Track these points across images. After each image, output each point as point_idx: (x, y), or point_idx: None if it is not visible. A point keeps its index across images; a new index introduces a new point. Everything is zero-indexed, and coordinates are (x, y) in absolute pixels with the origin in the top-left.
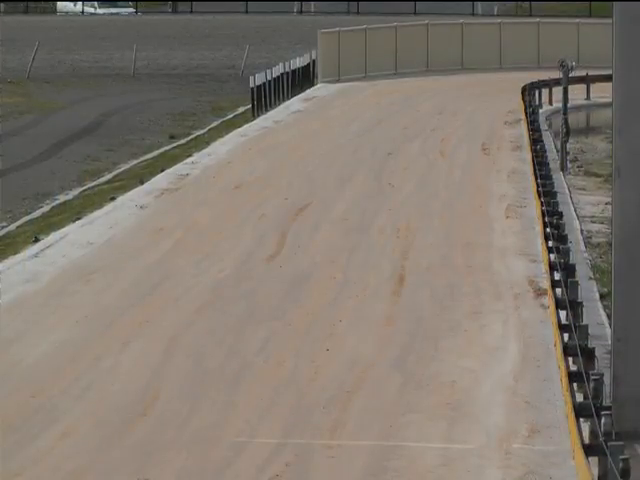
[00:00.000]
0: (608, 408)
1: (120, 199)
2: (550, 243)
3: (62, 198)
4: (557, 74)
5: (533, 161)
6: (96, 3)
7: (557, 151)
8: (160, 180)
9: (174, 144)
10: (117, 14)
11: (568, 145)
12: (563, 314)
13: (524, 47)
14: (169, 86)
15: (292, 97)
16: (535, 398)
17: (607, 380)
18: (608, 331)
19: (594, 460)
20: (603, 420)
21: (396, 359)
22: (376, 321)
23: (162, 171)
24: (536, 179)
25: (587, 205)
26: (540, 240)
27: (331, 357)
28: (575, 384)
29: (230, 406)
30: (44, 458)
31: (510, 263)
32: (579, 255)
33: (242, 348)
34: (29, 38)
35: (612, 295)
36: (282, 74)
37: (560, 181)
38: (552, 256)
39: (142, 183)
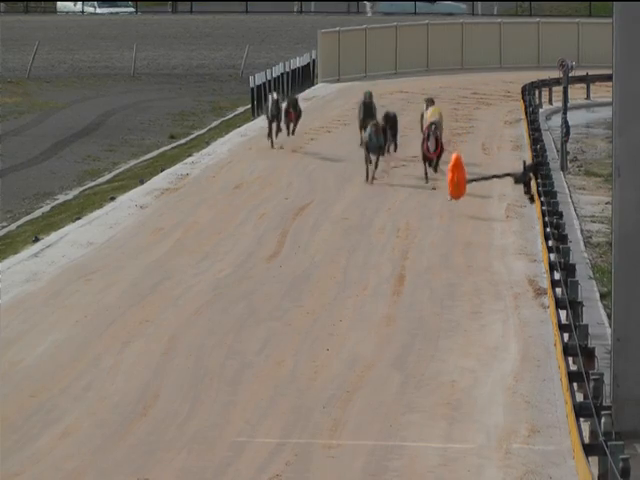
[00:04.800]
0: (608, 408)
1: (120, 199)
2: (550, 243)
3: (62, 198)
4: (557, 74)
5: (533, 160)
6: (96, 3)
7: (557, 151)
8: (160, 180)
9: (174, 144)
10: (117, 14)
11: (568, 145)
12: (563, 314)
13: (524, 47)
14: (169, 86)
15: None
16: (535, 398)
17: (607, 380)
18: (608, 331)
19: (594, 460)
20: (603, 420)
21: (396, 359)
22: (376, 321)
23: (162, 171)
24: (536, 178)
25: (587, 205)
26: (540, 240)
27: (331, 357)
28: (575, 384)
29: (230, 406)
30: (44, 458)
31: (510, 263)
32: (579, 255)
33: (242, 348)
34: (29, 38)
35: (612, 295)
36: (282, 74)
37: (560, 181)
38: (552, 256)
39: (142, 183)
